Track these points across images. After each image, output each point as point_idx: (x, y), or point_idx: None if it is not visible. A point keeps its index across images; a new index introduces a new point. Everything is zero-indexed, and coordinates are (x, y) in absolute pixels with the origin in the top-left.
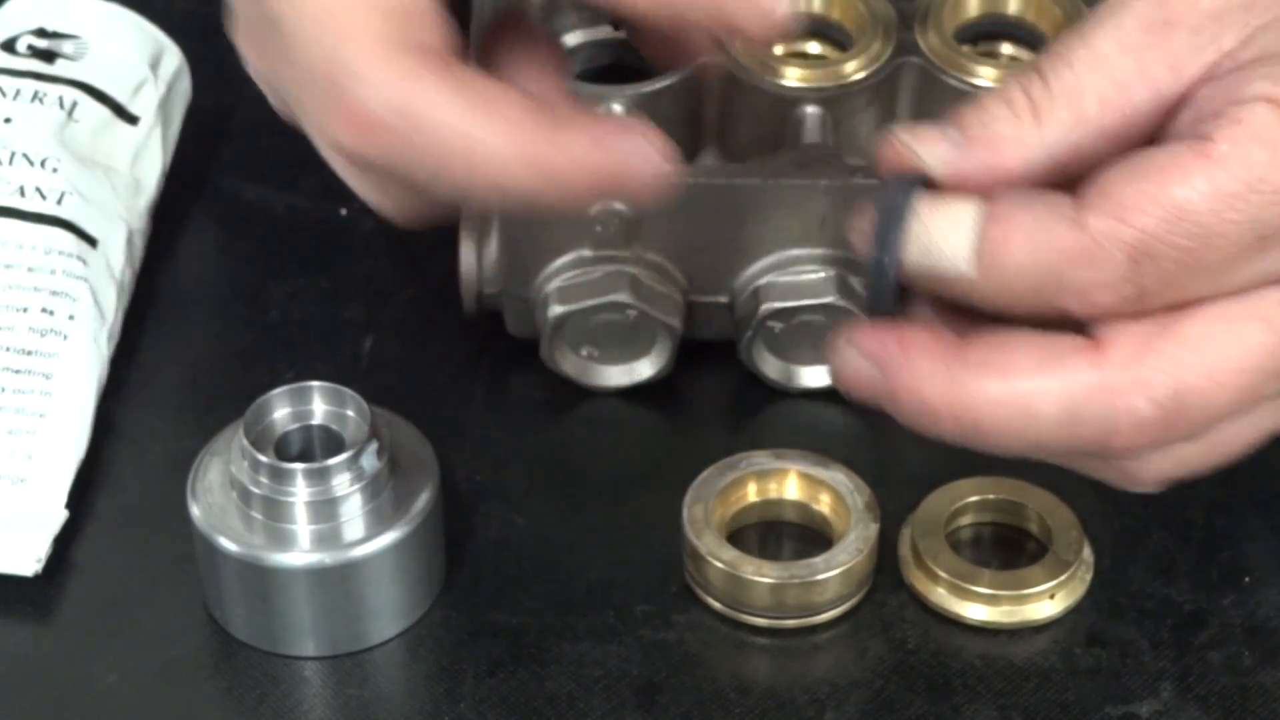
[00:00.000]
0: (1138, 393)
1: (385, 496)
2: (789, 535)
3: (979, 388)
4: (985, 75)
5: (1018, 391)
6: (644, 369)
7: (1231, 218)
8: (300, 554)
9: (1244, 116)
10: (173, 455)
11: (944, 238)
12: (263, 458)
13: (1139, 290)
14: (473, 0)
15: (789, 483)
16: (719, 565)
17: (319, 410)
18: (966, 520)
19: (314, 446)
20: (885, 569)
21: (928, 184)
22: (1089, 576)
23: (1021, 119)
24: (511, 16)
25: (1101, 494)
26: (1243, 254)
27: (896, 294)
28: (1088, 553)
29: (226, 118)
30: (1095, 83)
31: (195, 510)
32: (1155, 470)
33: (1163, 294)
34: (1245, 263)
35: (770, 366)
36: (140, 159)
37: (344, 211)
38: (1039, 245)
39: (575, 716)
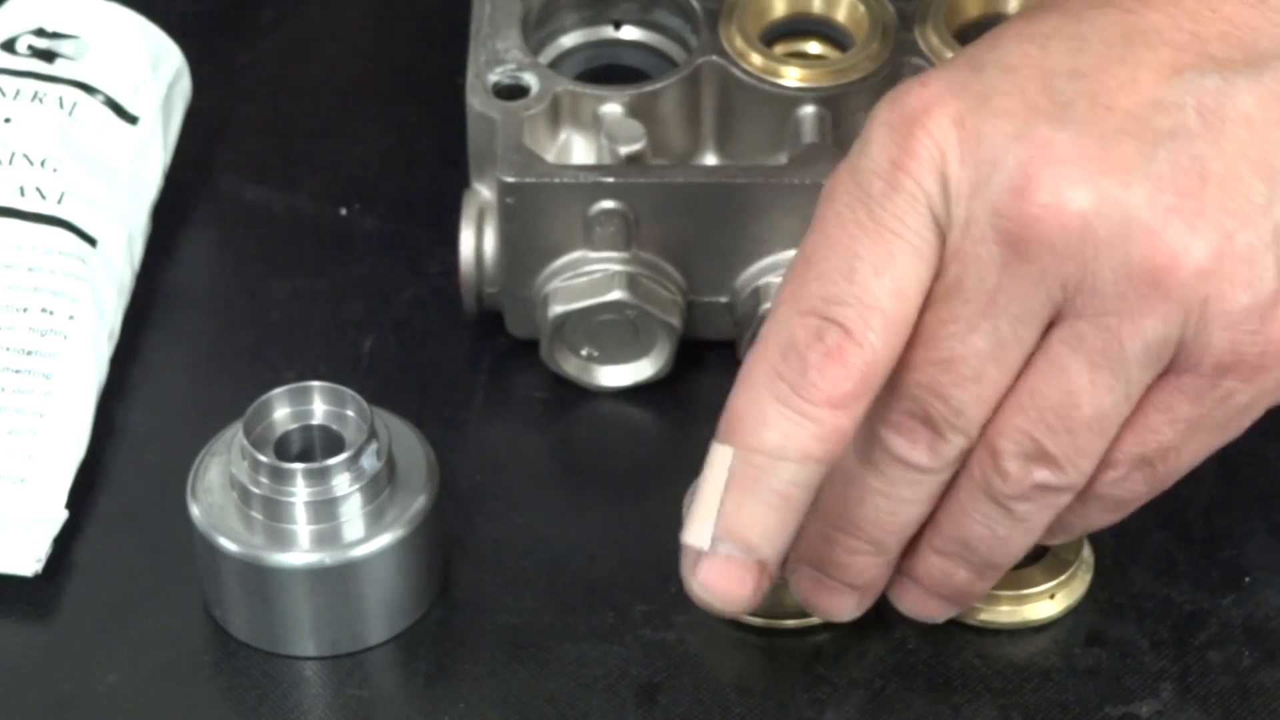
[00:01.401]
0: None
1: (385, 496)
2: None
3: None
4: None
5: None
6: (644, 369)
7: None
8: (300, 554)
9: None
10: (173, 455)
11: None
12: (263, 458)
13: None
14: (473, 1)
15: None
16: None
17: (319, 410)
18: None
19: (314, 446)
20: None
21: None
22: (1089, 576)
23: None
24: None
25: None
26: None
27: None
28: (1088, 553)
29: (226, 118)
30: None
31: (195, 510)
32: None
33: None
34: None
35: None
36: (140, 159)
37: (344, 211)
38: None
39: (575, 716)
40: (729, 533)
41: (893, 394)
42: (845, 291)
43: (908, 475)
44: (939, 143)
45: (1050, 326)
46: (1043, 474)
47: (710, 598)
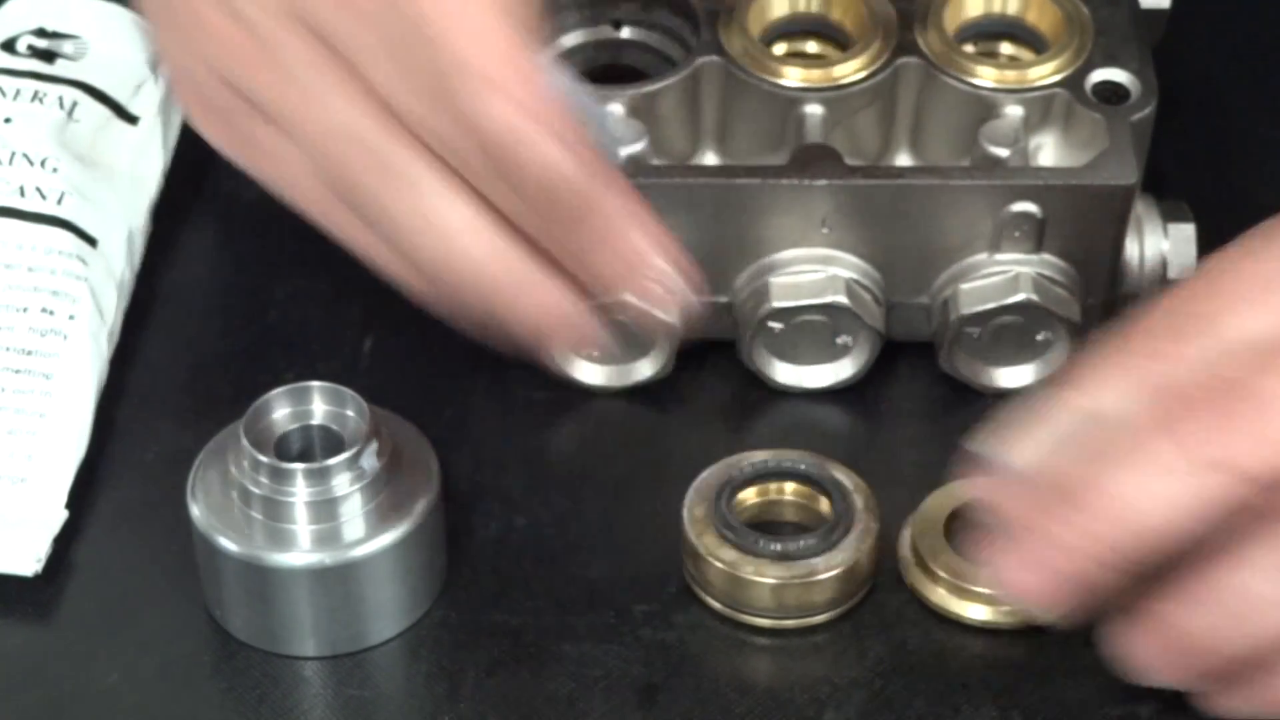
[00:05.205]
0: None
1: (385, 496)
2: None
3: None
4: (985, 75)
5: None
6: (644, 369)
7: None
8: (300, 554)
9: None
10: (173, 455)
11: None
12: (263, 458)
13: None
14: None
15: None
16: (719, 565)
17: (319, 410)
18: (967, 520)
19: (314, 446)
20: (885, 569)
21: None
22: None
23: None
24: None
25: None
26: None
27: None
28: None
29: None
30: None
31: (195, 510)
32: None
33: None
34: None
35: (770, 367)
36: (140, 159)
37: None
38: None
39: (575, 716)
40: None
41: None
42: None
43: None
44: None
45: None
46: None
47: None
